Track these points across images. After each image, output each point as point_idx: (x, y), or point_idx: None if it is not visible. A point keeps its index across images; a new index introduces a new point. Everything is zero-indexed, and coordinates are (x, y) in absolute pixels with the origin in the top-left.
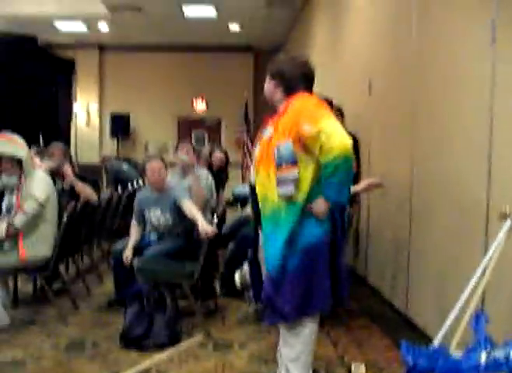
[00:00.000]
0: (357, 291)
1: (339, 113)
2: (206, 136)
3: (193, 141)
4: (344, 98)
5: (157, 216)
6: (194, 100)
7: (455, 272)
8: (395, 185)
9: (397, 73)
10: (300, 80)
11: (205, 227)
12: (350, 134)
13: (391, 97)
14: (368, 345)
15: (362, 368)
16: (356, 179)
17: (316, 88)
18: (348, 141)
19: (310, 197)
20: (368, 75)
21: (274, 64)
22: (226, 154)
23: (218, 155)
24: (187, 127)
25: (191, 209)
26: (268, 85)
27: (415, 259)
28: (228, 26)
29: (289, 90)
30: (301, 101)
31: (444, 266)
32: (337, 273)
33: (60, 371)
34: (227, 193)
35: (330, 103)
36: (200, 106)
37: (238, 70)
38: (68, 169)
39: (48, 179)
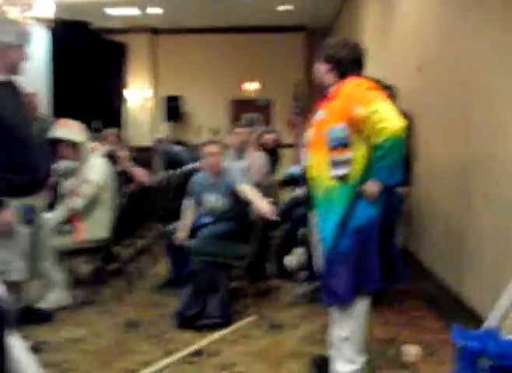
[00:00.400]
0: (410, 272)
1: (391, 94)
2: (258, 117)
3: (244, 122)
4: (395, 77)
5: (212, 200)
6: (245, 82)
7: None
8: (449, 166)
9: (448, 58)
10: (352, 64)
11: (264, 207)
12: (404, 112)
13: (442, 80)
14: (420, 327)
15: (414, 350)
16: (409, 159)
17: (367, 70)
18: (401, 123)
19: (362, 179)
20: (418, 60)
21: (326, 47)
22: (277, 135)
23: (270, 137)
24: (239, 108)
25: (247, 192)
26: (320, 69)
27: (470, 241)
28: (279, 6)
29: (342, 74)
30: (353, 84)
31: (501, 248)
32: (389, 253)
33: (117, 350)
34: (280, 174)
35: (383, 86)
36: (252, 87)
37: (290, 50)
38: (123, 155)
39: (105, 164)
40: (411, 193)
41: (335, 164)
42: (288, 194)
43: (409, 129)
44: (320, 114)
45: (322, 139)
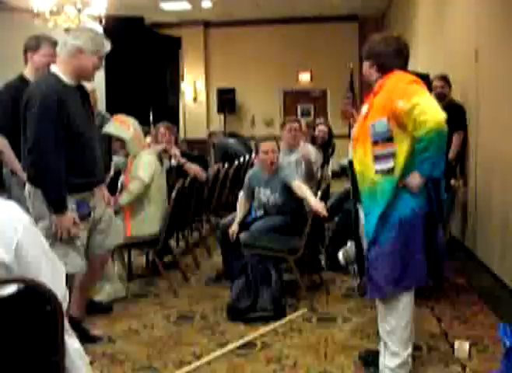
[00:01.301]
0: (465, 266)
1: (445, 82)
2: (312, 108)
3: (299, 114)
4: (450, 67)
5: (266, 195)
6: (298, 72)
7: None
8: (505, 158)
9: (507, 47)
10: (394, 58)
11: (317, 206)
12: (457, 104)
13: (499, 68)
14: (473, 322)
15: (466, 346)
16: (464, 149)
17: (421, 57)
18: (442, 116)
19: (406, 172)
20: (474, 46)
21: (367, 44)
22: (329, 127)
23: (321, 128)
24: (293, 99)
25: (301, 188)
26: (364, 66)
27: None
28: None
29: (384, 69)
30: (395, 78)
31: None
32: (434, 246)
33: (170, 341)
34: (333, 165)
35: (426, 79)
36: (305, 78)
37: (343, 39)
38: (175, 152)
39: (153, 161)
40: (461, 186)
41: (379, 158)
42: (341, 185)
43: (463, 121)
44: (364, 109)
45: (366, 134)
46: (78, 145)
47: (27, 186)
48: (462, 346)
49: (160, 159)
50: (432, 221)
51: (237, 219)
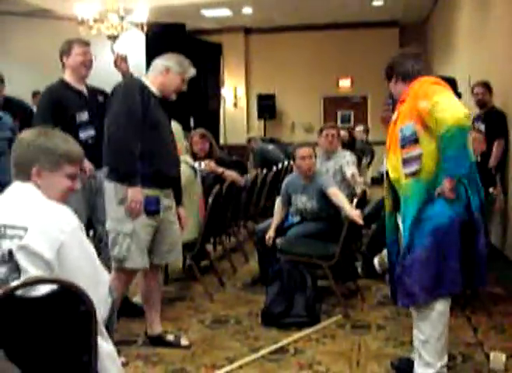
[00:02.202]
0: (504, 275)
1: (486, 89)
2: (352, 114)
3: (338, 120)
4: (492, 74)
5: (303, 202)
6: (338, 78)
7: None
8: None
9: None
10: (413, 64)
11: (353, 213)
12: (499, 111)
13: None
14: (511, 333)
15: (502, 357)
16: (505, 157)
17: (462, 63)
18: (462, 113)
19: (436, 175)
20: None
21: (386, 66)
22: (350, 131)
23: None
24: (333, 105)
25: (337, 196)
26: (391, 88)
27: None
28: (373, 2)
29: (408, 77)
30: (418, 83)
31: None
32: (473, 253)
33: (204, 345)
34: (372, 172)
35: (451, 82)
36: (345, 84)
37: (383, 45)
38: (210, 165)
39: (186, 170)
40: (501, 194)
41: (407, 161)
42: (380, 192)
43: (505, 128)
44: (394, 117)
45: (396, 140)
46: (155, 136)
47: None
48: (498, 358)
49: (193, 167)
50: (471, 228)
51: (274, 225)
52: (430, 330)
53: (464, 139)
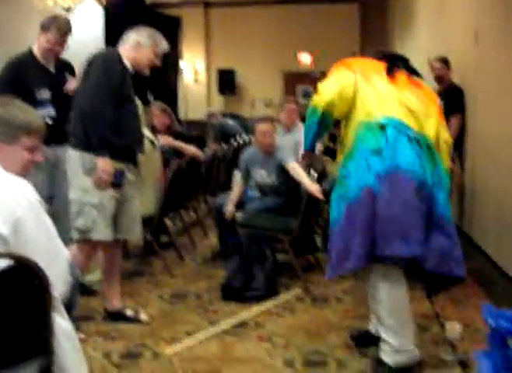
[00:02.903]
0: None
1: (444, 64)
2: (312, 90)
3: (299, 95)
4: (450, 50)
5: (262, 176)
6: (299, 54)
7: None
8: (502, 142)
9: (506, 26)
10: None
11: (312, 188)
12: (456, 87)
13: (499, 50)
14: (467, 304)
15: (457, 327)
16: (462, 134)
17: (421, 40)
18: (323, 97)
19: (350, 151)
20: (474, 27)
21: None
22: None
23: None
24: (293, 81)
25: (296, 170)
26: None
27: None
28: None
29: None
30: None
31: None
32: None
33: (164, 320)
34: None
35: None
36: (305, 59)
37: (343, 21)
38: (167, 139)
39: (145, 144)
40: (459, 170)
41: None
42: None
43: (462, 104)
44: None
45: None
46: (126, 110)
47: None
48: (454, 328)
49: (151, 140)
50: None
51: (233, 199)
52: (383, 312)
53: (312, 121)
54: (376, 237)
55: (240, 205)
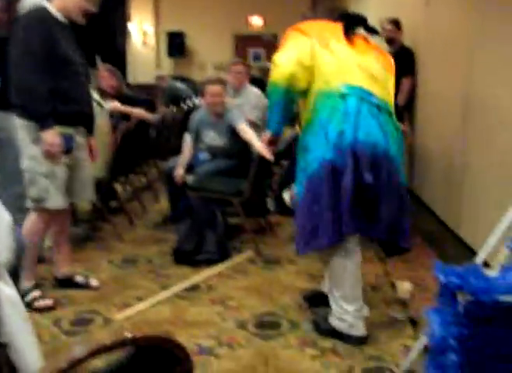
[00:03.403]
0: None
1: (395, 26)
2: (263, 53)
3: (250, 58)
4: (401, 12)
5: (212, 138)
6: (249, 16)
7: (510, 193)
8: (451, 104)
9: None
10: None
11: (262, 149)
12: (407, 49)
13: (449, 13)
14: (417, 264)
15: (408, 286)
16: (413, 96)
17: (373, 1)
18: (281, 69)
19: (307, 125)
20: None
21: None
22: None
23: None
24: (244, 44)
25: (247, 132)
26: None
27: (469, 180)
28: None
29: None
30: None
31: (498, 188)
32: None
33: (115, 285)
34: None
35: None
36: (256, 22)
37: None
38: (113, 104)
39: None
40: (410, 132)
41: None
42: (290, 130)
43: (413, 66)
44: None
45: None
46: (66, 72)
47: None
48: (404, 287)
49: (99, 103)
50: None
51: (183, 161)
52: (333, 281)
53: (274, 100)
54: (342, 213)
55: (190, 169)
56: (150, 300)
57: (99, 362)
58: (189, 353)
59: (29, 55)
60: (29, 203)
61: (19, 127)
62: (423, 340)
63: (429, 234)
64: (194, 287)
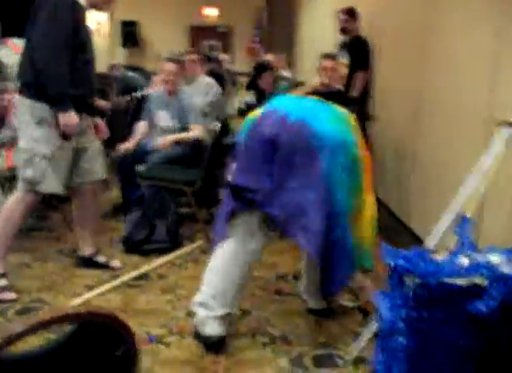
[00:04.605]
0: None
1: (350, 16)
2: (218, 44)
3: (205, 49)
4: (356, 5)
5: (164, 118)
6: (204, 7)
7: (457, 183)
8: (404, 97)
9: None
10: None
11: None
12: (362, 40)
13: (402, 3)
14: None
15: (359, 276)
16: (367, 84)
17: None
18: None
19: None
20: None
21: None
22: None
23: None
24: (199, 35)
25: (194, 131)
26: None
27: (418, 173)
28: None
29: None
30: None
31: (446, 180)
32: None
33: (64, 275)
34: (238, 103)
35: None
36: (211, 13)
37: None
38: None
39: None
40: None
41: None
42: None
43: (367, 59)
44: None
45: None
46: (81, 56)
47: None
48: (356, 276)
49: None
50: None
51: (134, 139)
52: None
53: None
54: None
55: (142, 159)
56: (99, 289)
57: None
58: (132, 331)
59: (56, 37)
60: (20, 184)
61: (24, 107)
62: (373, 327)
63: (380, 225)
64: (145, 276)
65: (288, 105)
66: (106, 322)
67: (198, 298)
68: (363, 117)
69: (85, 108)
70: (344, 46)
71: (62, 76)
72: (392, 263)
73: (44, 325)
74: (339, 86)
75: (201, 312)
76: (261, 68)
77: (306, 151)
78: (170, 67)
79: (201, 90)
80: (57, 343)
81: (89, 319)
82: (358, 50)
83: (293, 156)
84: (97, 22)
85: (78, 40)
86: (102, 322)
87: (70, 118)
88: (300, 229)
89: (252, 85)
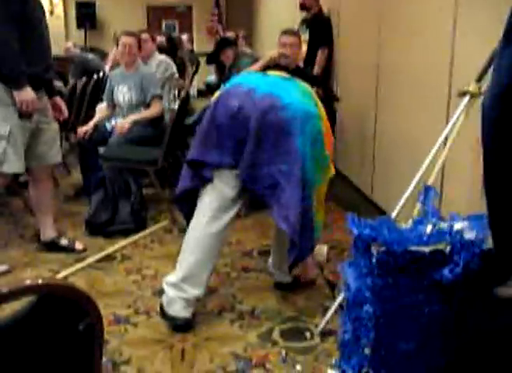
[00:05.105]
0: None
1: None
2: (177, 24)
3: (163, 30)
4: None
5: (124, 93)
6: None
7: (418, 156)
8: (365, 72)
9: None
10: None
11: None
12: (324, 17)
13: None
14: (333, 228)
15: (324, 249)
16: (330, 61)
17: None
18: None
19: None
20: None
21: None
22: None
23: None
24: (157, 15)
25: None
26: None
27: (380, 146)
28: None
29: None
30: None
31: (407, 153)
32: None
33: (26, 259)
34: (198, 83)
35: None
36: None
37: None
38: None
39: None
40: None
41: None
42: (203, 102)
43: (329, 36)
44: None
45: None
46: (33, 31)
47: None
48: (320, 250)
49: None
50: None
51: (94, 121)
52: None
53: None
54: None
55: (104, 141)
56: (64, 272)
57: None
58: (95, 303)
59: (1, 14)
60: None
61: None
62: (339, 299)
63: (344, 200)
64: (109, 258)
65: (253, 80)
66: (67, 295)
67: (171, 277)
68: (331, 98)
69: (43, 85)
70: (304, 22)
71: (12, 52)
72: (357, 232)
73: (1, 299)
74: (299, 62)
75: (171, 292)
76: (224, 43)
77: (277, 124)
78: (127, 39)
79: (159, 69)
80: (14, 317)
81: (49, 291)
82: (319, 27)
83: (264, 129)
84: (51, 2)
85: (27, 12)
86: (62, 294)
87: (26, 94)
88: (276, 203)
89: (213, 60)
